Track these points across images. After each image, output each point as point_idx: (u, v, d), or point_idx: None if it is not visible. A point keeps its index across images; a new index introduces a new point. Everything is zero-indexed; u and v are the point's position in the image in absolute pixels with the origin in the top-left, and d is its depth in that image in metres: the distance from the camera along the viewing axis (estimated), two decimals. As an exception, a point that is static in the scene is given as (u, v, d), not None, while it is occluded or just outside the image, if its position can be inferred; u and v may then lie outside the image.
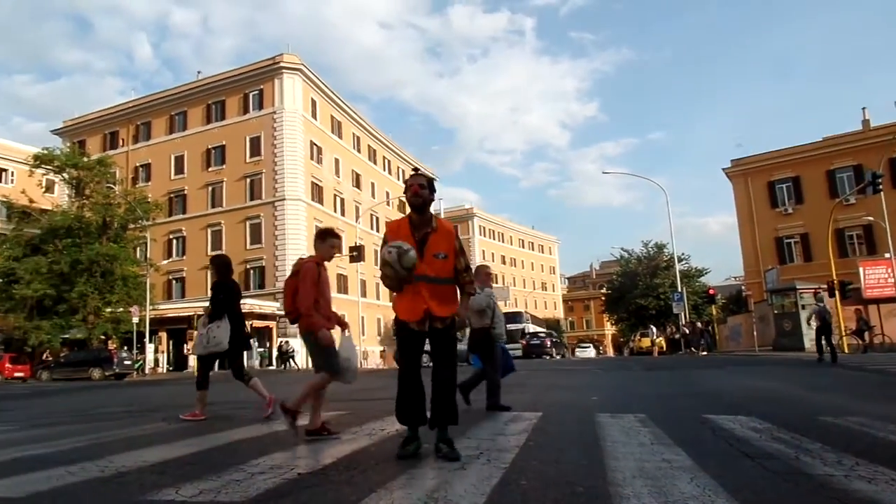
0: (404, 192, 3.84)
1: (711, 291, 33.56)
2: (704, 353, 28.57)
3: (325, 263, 4.76)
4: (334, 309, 4.96)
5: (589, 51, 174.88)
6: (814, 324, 15.72)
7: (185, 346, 34.72)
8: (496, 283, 76.92)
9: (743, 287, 44.78)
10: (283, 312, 32.93)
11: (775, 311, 26.15)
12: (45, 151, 35.27)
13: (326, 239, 4.75)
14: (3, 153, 51.95)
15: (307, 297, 4.49)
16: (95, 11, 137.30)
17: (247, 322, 35.46)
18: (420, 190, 3.68)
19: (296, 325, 4.69)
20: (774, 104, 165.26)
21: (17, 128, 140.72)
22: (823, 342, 15.01)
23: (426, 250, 3.60)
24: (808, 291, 24.84)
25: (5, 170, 51.26)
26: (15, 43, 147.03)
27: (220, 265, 6.86)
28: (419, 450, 3.69)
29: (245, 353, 7.03)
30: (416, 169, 3.98)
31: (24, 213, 35.11)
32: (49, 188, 36.80)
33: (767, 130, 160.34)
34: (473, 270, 4.20)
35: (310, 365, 4.65)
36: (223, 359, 6.76)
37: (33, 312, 32.40)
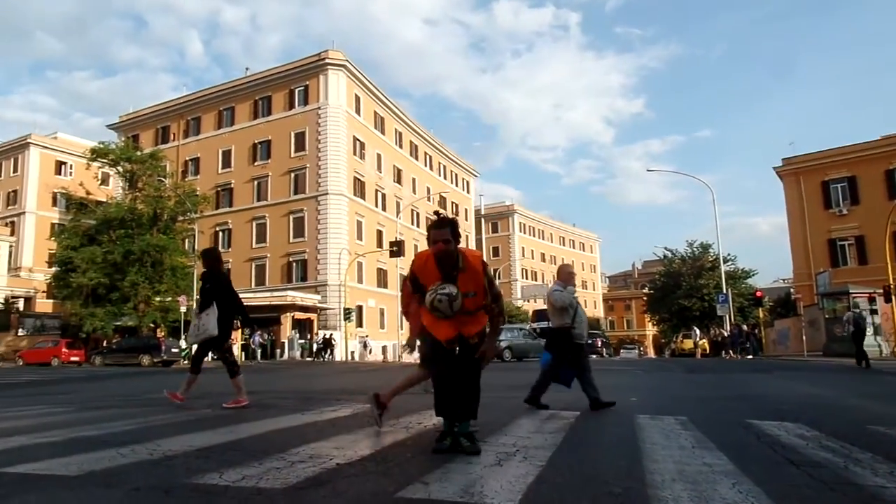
0: (428, 242, 3.80)
1: (759, 294, 32.58)
2: (750, 356, 27.79)
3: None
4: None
5: (636, 46, 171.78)
6: (850, 328, 16.63)
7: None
8: (534, 280, 76.34)
9: (792, 290, 43.27)
10: (324, 305, 33.67)
11: (826, 316, 25.24)
12: (102, 146, 36.72)
13: None
14: (64, 147, 54.48)
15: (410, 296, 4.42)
16: (151, 10, 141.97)
17: (291, 314, 36.09)
18: (445, 247, 3.63)
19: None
20: (829, 101, 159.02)
21: (78, 123, 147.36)
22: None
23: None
24: (863, 296, 23.89)
25: (65, 163, 53.68)
26: (77, 42, 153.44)
27: (209, 258, 7.14)
28: (450, 447, 3.73)
29: (229, 340, 7.16)
30: (437, 212, 4.01)
31: (82, 205, 36.67)
32: (104, 181, 38.30)
33: (822, 128, 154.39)
34: (556, 271, 4.18)
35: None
36: (218, 344, 6.84)
37: (88, 300, 33.82)
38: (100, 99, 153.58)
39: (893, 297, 21.07)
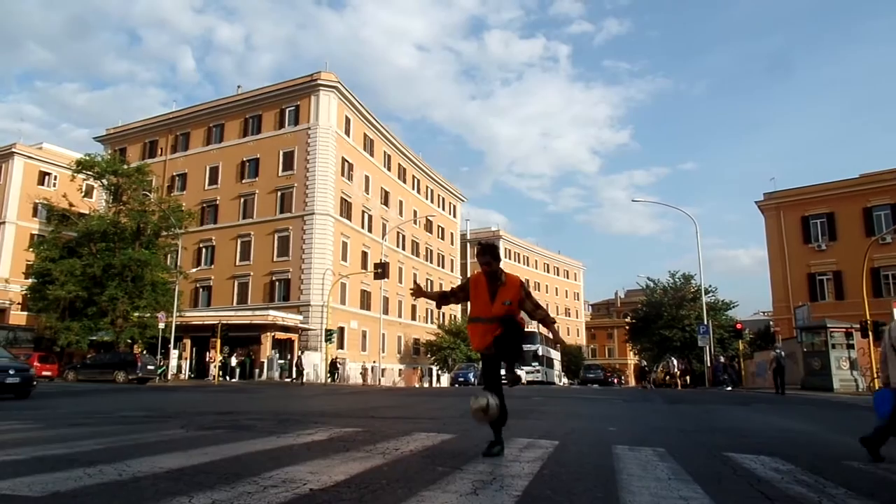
0: (478, 261, 4.83)
1: (739, 326, 32.89)
2: (728, 388, 27.97)
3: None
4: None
5: (623, 79, 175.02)
6: (773, 366, 21.70)
7: (207, 353, 35.16)
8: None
9: (771, 322, 43.75)
10: (305, 326, 33.62)
11: (804, 349, 25.46)
12: (88, 157, 36.34)
13: None
14: (48, 157, 53.88)
15: None
16: (145, 25, 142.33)
17: (272, 334, 36.35)
18: (488, 268, 4.69)
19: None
20: (810, 139, 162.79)
21: (64, 134, 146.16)
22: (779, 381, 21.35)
23: (497, 298, 4.61)
24: (840, 330, 24.18)
25: (49, 173, 53.05)
26: (67, 53, 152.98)
27: None
28: (502, 452, 4.59)
29: None
30: (480, 242, 4.95)
31: (63, 216, 36.12)
32: (88, 193, 37.87)
33: (802, 165, 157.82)
34: None
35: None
36: None
37: (65, 313, 33.14)
38: (88, 111, 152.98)
39: (870, 333, 21.36)
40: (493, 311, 4.58)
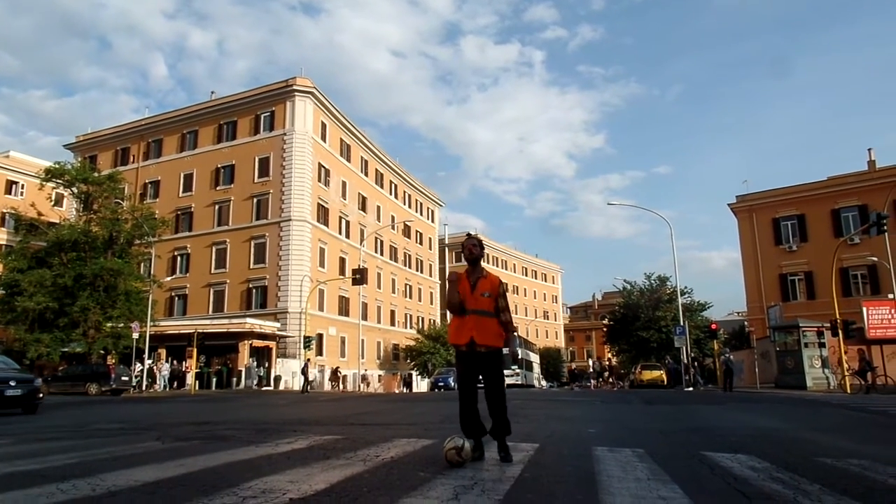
0: (462, 250, 5.08)
1: (714, 326, 33.40)
2: (690, 388, 28.38)
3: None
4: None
5: (597, 84, 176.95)
6: (724, 368, 25.63)
7: (184, 363, 34.59)
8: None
9: (745, 322, 44.53)
10: (283, 333, 33.63)
11: (777, 349, 25.98)
12: (57, 166, 35.49)
13: None
14: (15, 166, 52.65)
15: None
16: (115, 31, 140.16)
17: (249, 342, 36.21)
18: (473, 249, 4.92)
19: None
20: (780, 142, 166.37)
21: (32, 141, 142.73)
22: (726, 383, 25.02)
23: (476, 290, 4.73)
24: (812, 329, 24.71)
25: (16, 182, 51.85)
26: (34, 59, 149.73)
27: None
28: (483, 457, 4.69)
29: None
30: (469, 234, 5.16)
31: (32, 226, 35.22)
32: (58, 202, 36.95)
33: (773, 168, 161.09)
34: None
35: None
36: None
37: (34, 325, 32.31)
38: (56, 118, 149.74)
39: (840, 332, 21.87)
40: (472, 303, 4.68)
